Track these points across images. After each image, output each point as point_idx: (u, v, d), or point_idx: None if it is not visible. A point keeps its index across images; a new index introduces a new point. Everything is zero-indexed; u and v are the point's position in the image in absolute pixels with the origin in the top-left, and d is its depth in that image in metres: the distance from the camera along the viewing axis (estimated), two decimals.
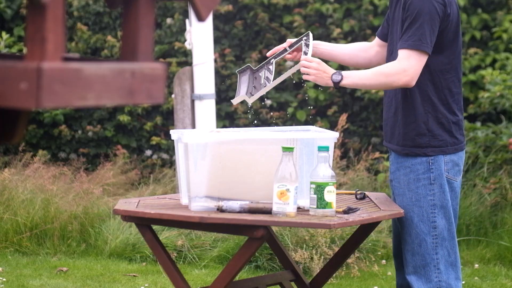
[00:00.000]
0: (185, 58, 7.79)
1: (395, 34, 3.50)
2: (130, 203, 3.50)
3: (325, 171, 3.21)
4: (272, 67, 3.60)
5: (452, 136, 3.49)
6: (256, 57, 7.78)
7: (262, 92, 3.52)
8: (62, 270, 5.69)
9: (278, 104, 7.82)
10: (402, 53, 3.37)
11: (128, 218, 3.37)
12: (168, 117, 8.00)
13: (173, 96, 6.63)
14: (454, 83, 3.50)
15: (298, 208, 3.25)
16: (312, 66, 3.47)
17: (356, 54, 3.75)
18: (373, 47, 3.75)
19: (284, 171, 3.16)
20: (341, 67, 6.79)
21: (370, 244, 5.92)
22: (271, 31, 7.90)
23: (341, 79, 3.42)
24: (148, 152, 8.06)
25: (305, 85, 7.72)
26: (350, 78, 3.43)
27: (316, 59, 3.51)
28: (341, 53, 3.76)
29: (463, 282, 5.55)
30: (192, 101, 6.49)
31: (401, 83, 3.36)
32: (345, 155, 7.42)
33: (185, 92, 6.48)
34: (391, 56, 3.53)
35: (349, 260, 5.68)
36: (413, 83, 3.37)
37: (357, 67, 3.86)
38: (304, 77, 3.48)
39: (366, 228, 3.63)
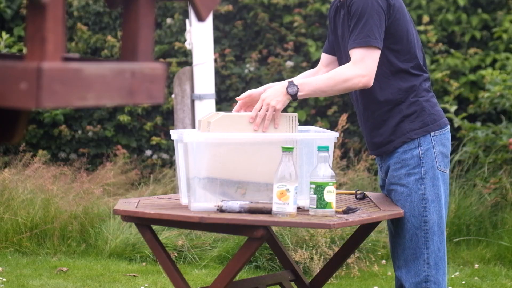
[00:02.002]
0: (185, 58, 7.79)
1: (345, 41, 3.46)
2: (130, 203, 3.50)
3: (325, 171, 3.21)
4: None
5: (430, 113, 3.46)
6: (256, 57, 7.79)
7: None
8: (62, 270, 5.70)
9: None
10: (355, 54, 3.33)
11: (128, 218, 3.37)
12: (168, 117, 8.00)
13: (173, 96, 6.63)
14: (417, 68, 3.47)
15: (298, 208, 3.25)
16: (263, 103, 3.32)
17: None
18: (321, 69, 3.69)
19: (284, 171, 3.16)
20: None
21: (370, 244, 5.92)
22: (271, 31, 7.90)
23: (297, 89, 3.32)
24: (148, 152, 8.07)
25: None
26: (306, 86, 3.33)
27: (261, 95, 3.38)
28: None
29: (463, 282, 5.56)
30: (192, 101, 6.50)
31: (361, 85, 3.32)
32: (345, 155, 7.42)
33: (185, 92, 6.48)
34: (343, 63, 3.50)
35: (349, 260, 5.68)
36: (371, 83, 3.33)
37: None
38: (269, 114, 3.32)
39: (366, 228, 3.63)
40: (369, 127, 3.52)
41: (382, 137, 3.49)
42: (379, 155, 3.56)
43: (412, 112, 3.45)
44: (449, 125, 3.57)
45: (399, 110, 3.45)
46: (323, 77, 3.37)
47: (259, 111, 3.31)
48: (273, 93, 3.34)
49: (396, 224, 3.48)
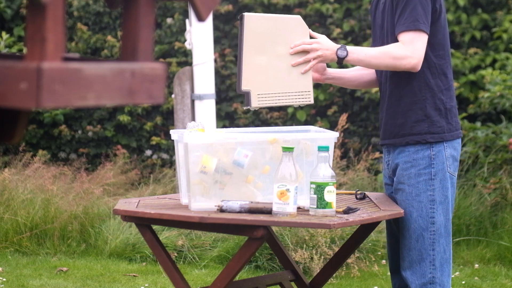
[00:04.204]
0: (185, 58, 7.79)
1: (386, 29, 3.46)
2: (130, 203, 3.50)
3: (325, 171, 3.21)
4: None
5: (448, 122, 3.45)
6: None
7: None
8: (62, 270, 5.70)
9: None
10: (404, 37, 3.33)
11: (128, 218, 3.37)
12: (168, 117, 8.00)
13: (173, 96, 6.63)
14: (448, 69, 3.47)
15: (298, 208, 3.25)
16: (313, 47, 3.35)
17: (361, 74, 3.68)
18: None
19: (284, 171, 3.16)
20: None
21: (370, 244, 5.92)
22: None
23: (347, 54, 3.35)
24: (148, 152, 8.06)
25: None
26: (356, 54, 3.36)
27: (314, 40, 3.39)
28: (347, 76, 3.68)
29: (463, 282, 5.56)
30: (192, 101, 6.49)
31: (409, 66, 3.32)
32: (345, 155, 7.42)
33: (185, 92, 6.48)
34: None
35: (349, 260, 5.68)
36: (419, 66, 3.34)
37: (366, 87, 3.78)
38: (311, 61, 3.35)
39: (366, 228, 3.63)
40: (389, 114, 3.49)
41: (398, 128, 3.46)
42: (389, 145, 3.52)
43: (435, 114, 3.43)
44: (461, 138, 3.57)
45: (423, 107, 3.42)
46: (374, 50, 3.37)
47: (307, 49, 3.36)
48: (326, 45, 3.37)
49: (402, 225, 3.46)
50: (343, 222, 3.13)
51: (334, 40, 7.68)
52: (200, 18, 1.36)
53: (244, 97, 3.34)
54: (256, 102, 3.30)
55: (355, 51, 3.37)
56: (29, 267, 5.76)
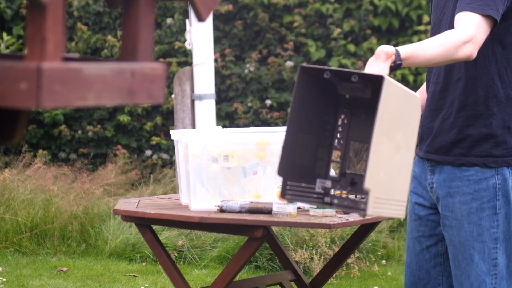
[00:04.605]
0: (185, 58, 7.79)
1: (447, 9, 2.85)
2: (130, 203, 3.50)
3: None
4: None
5: None
6: (256, 57, 7.79)
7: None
8: (62, 270, 5.70)
9: (278, 104, 7.82)
10: (465, 17, 2.67)
11: (128, 218, 3.37)
12: (168, 117, 8.00)
13: (173, 96, 6.63)
14: None
15: (298, 208, 3.25)
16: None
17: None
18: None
19: None
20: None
21: (370, 244, 5.92)
22: (271, 31, 7.89)
23: (401, 63, 2.55)
24: (148, 152, 8.06)
25: None
26: (411, 60, 2.57)
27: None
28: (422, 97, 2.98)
29: None
30: (192, 101, 6.49)
31: (464, 54, 2.61)
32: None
33: (185, 92, 6.48)
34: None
35: (349, 260, 5.68)
36: (475, 55, 2.64)
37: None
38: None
39: (366, 228, 3.63)
40: (445, 125, 2.87)
41: (453, 145, 2.86)
42: (435, 162, 2.89)
43: (502, 133, 2.83)
44: None
45: (488, 124, 2.83)
46: (432, 45, 2.62)
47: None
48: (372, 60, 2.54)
49: (460, 271, 2.89)
50: (343, 222, 3.14)
51: (334, 40, 7.68)
52: (200, 18, 1.36)
53: (297, 174, 2.28)
54: (372, 209, 2.19)
55: (408, 57, 2.56)
56: (29, 267, 5.76)
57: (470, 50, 2.62)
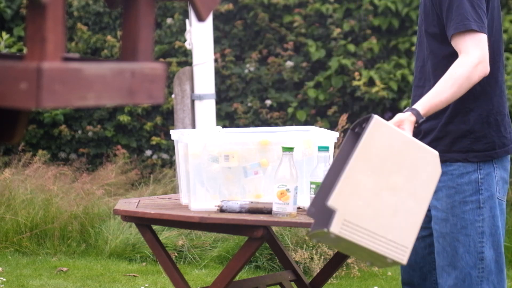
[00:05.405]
0: (185, 58, 7.79)
1: (420, 29, 3.04)
2: (130, 203, 3.50)
3: (325, 171, 3.21)
4: None
5: (500, 136, 2.97)
6: (256, 57, 7.79)
7: None
8: (62, 270, 5.70)
9: (278, 104, 7.82)
10: (457, 42, 2.84)
11: (128, 218, 3.37)
12: (168, 117, 8.00)
13: (173, 96, 6.63)
14: (500, 70, 2.98)
15: (298, 208, 3.25)
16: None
17: None
18: None
19: (284, 171, 3.16)
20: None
21: None
22: (271, 31, 7.90)
23: (423, 119, 2.80)
24: (148, 152, 8.07)
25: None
26: (432, 111, 2.80)
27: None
28: None
29: None
30: (192, 101, 6.49)
31: (479, 77, 2.81)
32: None
33: (185, 92, 6.48)
34: (423, 67, 3.05)
35: (349, 260, 5.68)
36: (489, 68, 2.82)
37: None
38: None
39: None
40: (430, 126, 3.02)
41: (434, 141, 2.98)
42: None
43: (481, 128, 2.95)
44: None
45: (466, 120, 2.96)
46: (443, 90, 2.80)
47: None
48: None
49: (447, 262, 2.99)
50: None
51: (334, 40, 7.68)
52: (200, 18, 1.36)
53: (319, 213, 2.56)
54: (337, 228, 2.39)
55: (427, 108, 2.79)
56: (29, 267, 5.76)
57: (483, 70, 2.79)
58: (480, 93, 2.93)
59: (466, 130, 2.94)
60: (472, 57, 2.79)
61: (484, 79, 2.87)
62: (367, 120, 2.54)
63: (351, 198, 2.41)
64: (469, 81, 2.78)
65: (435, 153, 2.56)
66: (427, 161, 2.53)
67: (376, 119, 2.48)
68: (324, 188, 2.53)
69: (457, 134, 2.94)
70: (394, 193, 2.46)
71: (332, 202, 2.38)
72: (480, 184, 2.94)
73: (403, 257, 2.47)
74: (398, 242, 2.45)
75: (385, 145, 2.48)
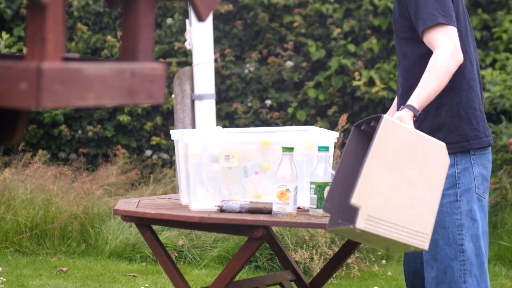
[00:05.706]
0: (185, 58, 7.79)
1: (398, 39, 3.19)
2: (130, 203, 3.50)
3: (325, 171, 3.21)
4: None
5: (473, 128, 3.08)
6: (256, 57, 7.79)
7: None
8: (62, 270, 5.70)
9: (278, 104, 7.82)
10: (428, 38, 2.98)
11: (128, 218, 3.37)
12: (168, 117, 8.00)
13: (173, 96, 6.63)
14: (467, 67, 3.10)
15: (298, 208, 3.25)
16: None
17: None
18: None
19: (284, 171, 3.16)
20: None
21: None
22: (271, 31, 7.89)
23: (419, 112, 2.92)
24: (148, 152, 8.06)
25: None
26: (425, 103, 2.93)
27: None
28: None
29: None
30: (192, 101, 6.49)
31: (456, 64, 2.94)
32: None
33: (185, 92, 6.48)
34: (399, 66, 3.23)
35: (349, 260, 5.68)
36: (461, 55, 2.96)
37: None
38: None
39: None
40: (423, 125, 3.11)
41: None
42: None
43: (453, 121, 3.08)
44: (490, 147, 3.17)
45: (437, 114, 3.08)
46: (427, 84, 2.93)
47: None
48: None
49: (429, 255, 3.08)
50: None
51: (334, 40, 7.68)
52: (200, 18, 1.36)
53: (334, 208, 2.78)
54: (362, 224, 2.60)
55: (420, 103, 2.92)
56: (29, 267, 5.76)
57: (458, 58, 2.94)
58: (450, 88, 3.04)
59: (439, 124, 3.07)
60: (445, 48, 2.93)
61: (452, 76, 2.98)
62: (375, 119, 2.72)
63: (371, 195, 2.62)
64: (448, 70, 2.91)
65: (442, 144, 2.74)
66: (436, 152, 2.73)
67: (386, 118, 2.67)
68: (338, 184, 2.75)
69: (431, 129, 3.06)
70: (410, 185, 2.68)
71: (354, 200, 2.58)
72: (457, 178, 3.06)
73: (425, 244, 2.69)
74: (419, 231, 2.67)
75: (397, 142, 2.68)
